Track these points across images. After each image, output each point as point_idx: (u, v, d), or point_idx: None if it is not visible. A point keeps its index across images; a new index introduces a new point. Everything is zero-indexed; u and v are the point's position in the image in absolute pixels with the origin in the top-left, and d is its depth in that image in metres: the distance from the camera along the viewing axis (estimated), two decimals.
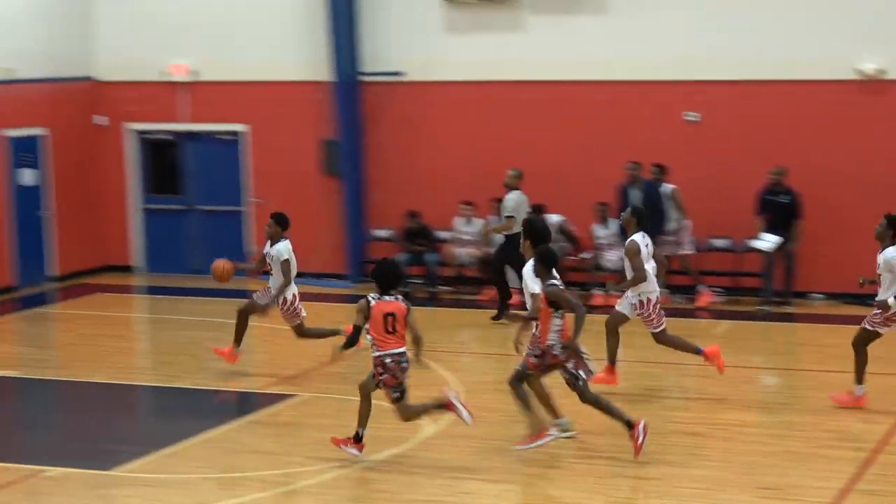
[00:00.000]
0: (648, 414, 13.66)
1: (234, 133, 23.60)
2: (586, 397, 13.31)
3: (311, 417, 14.81)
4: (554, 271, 13.20)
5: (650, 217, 16.00)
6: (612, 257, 20.82)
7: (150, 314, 20.46)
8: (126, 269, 24.15)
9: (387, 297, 12.92)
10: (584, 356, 13.26)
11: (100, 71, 24.05)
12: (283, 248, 16.23)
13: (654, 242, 15.76)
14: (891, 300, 14.46)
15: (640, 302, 15.21)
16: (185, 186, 24.03)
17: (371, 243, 23.02)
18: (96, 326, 19.79)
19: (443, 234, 22.27)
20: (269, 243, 16.36)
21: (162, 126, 23.98)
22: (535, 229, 13.84)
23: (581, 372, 13.23)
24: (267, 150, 23.39)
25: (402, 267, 14.36)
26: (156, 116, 23.96)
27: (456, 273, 22.25)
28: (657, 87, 21.50)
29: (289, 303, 16.37)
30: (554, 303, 13.08)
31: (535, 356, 13.27)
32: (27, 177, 22.65)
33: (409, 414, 13.32)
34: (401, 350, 12.95)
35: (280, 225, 16.37)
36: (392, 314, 12.86)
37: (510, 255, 18.89)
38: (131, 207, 24.18)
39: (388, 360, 12.89)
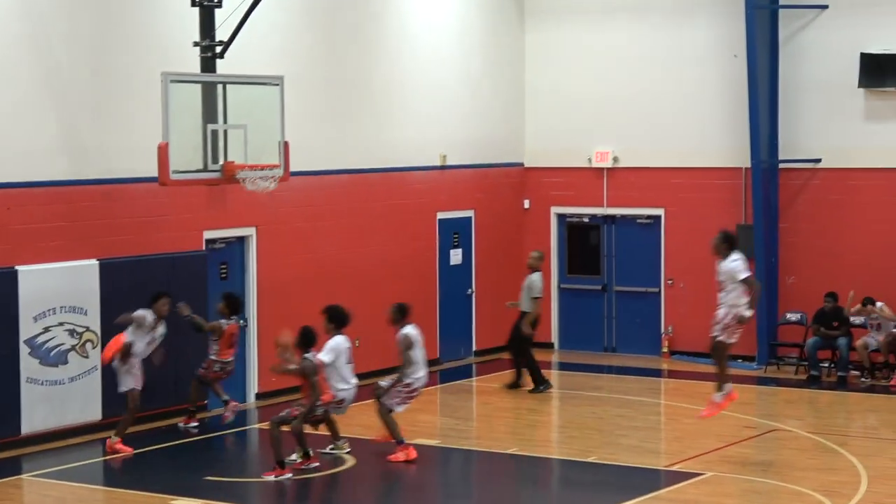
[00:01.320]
0: None
1: (652, 217, 24.38)
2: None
3: (714, 497, 15.09)
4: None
5: None
6: None
7: (564, 389, 21.18)
8: (544, 345, 25.09)
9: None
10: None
11: (527, 157, 25.34)
12: None
13: None
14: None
15: None
16: (603, 267, 24.93)
17: (782, 326, 23.22)
18: (513, 400, 20.63)
19: (857, 320, 22.22)
20: None
21: (583, 210, 25.01)
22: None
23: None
24: (682, 233, 24.01)
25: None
26: (578, 201, 24.97)
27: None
28: None
29: None
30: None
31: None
32: (455, 257, 24.05)
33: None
34: None
35: None
36: None
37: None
38: (552, 286, 25.24)
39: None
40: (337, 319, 16.67)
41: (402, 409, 16.84)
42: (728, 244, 16.63)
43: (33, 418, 17.47)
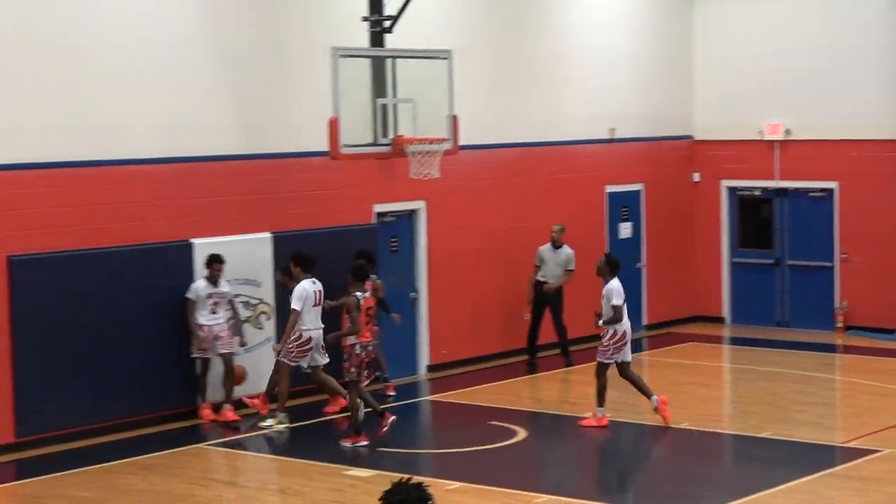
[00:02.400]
0: None
1: (825, 190, 23.93)
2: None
3: (892, 474, 14.79)
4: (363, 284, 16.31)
5: None
6: None
7: (735, 364, 20.93)
8: (715, 319, 24.88)
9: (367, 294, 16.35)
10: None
11: (697, 130, 25.06)
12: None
13: None
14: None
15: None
16: (775, 241, 24.57)
17: None
18: (686, 374, 20.44)
19: None
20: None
21: (755, 183, 24.66)
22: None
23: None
24: (856, 206, 23.55)
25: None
26: (749, 174, 24.65)
27: None
28: None
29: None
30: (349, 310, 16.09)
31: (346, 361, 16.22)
32: (624, 230, 23.91)
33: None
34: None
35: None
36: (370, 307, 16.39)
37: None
38: (723, 260, 24.95)
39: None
40: (303, 263, 17.10)
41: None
42: (610, 268, 17.13)
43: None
